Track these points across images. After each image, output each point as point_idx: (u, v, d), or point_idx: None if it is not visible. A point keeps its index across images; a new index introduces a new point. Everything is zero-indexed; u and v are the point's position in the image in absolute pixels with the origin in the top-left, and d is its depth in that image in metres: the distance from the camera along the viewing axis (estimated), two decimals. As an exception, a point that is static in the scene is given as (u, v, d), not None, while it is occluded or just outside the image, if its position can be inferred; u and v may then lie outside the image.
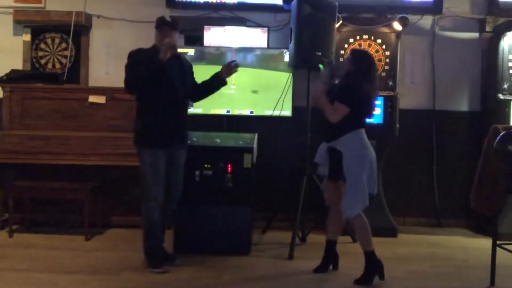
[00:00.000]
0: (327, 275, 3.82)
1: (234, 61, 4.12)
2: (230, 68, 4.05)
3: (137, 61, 3.72)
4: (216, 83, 4.08)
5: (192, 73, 4.04)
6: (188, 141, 4.36)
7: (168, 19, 3.91)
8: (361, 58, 3.76)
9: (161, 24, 3.79)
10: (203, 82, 4.08)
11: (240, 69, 4.81)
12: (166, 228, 4.04)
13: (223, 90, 4.81)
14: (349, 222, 3.81)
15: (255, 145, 4.40)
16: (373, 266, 3.63)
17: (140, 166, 3.80)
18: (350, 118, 3.63)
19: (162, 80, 3.68)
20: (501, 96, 4.96)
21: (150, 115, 3.77)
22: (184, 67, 3.92)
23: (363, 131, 3.74)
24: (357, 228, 3.74)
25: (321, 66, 4.06)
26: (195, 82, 4.06)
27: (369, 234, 3.69)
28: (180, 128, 3.89)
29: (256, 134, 4.60)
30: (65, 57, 5.39)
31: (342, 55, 4.99)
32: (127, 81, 3.73)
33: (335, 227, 3.89)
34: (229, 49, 4.94)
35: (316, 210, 4.89)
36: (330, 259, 3.88)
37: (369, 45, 5.01)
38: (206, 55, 4.91)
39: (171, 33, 3.75)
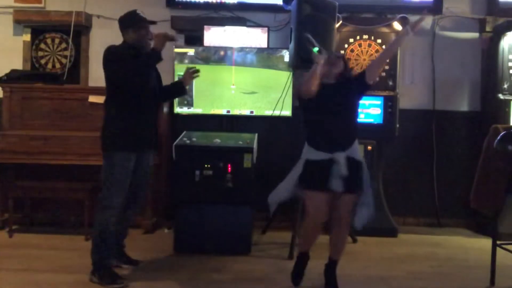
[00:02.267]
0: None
1: (193, 68, 3.97)
2: (189, 74, 3.93)
3: (126, 55, 3.48)
4: (176, 90, 3.99)
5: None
6: (188, 141, 4.38)
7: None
8: None
9: (139, 20, 3.59)
10: (164, 86, 3.89)
11: (240, 69, 4.86)
12: (127, 233, 3.89)
13: (223, 90, 4.85)
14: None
15: (255, 145, 4.40)
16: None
17: (105, 170, 3.54)
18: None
19: (147, 80, 3.55)
20: (501, 96, 4.96)
21: (129, 117, 3.52)
22: (156, 68, 3.77)
23: None
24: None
25: (315, 50, 3.51)
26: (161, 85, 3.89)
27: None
28: (154, 131, 3.72)
29: (256, 134, 4.61)
30: (65, 57, 5.39)
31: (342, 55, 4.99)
32: (126, 73, 3.44)
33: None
34: (229, 49, 4.95)
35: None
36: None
37: (369, 45, 5.01)
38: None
39: (149, 29, 3.60)
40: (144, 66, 3.51)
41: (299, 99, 3.50)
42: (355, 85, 3.44)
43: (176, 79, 4.84)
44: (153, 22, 3.68)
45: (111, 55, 3.51)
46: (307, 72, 3.37)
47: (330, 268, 3.54)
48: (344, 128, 3.39)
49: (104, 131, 3.58)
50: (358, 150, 3.46)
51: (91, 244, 3.59)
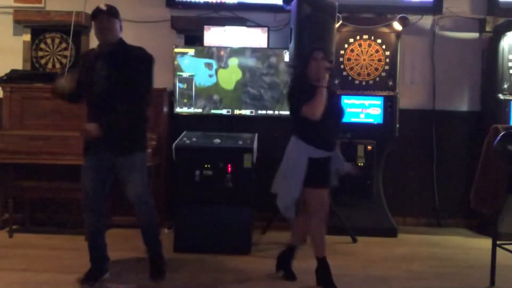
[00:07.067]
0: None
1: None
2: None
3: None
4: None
5: (136, 69, 3.39)
6: (188, 141, 4.38)
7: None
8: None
9: (96, 14, 3.40)
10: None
11: (240, 69, 4.86)
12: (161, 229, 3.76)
13: (223, 90, 4.85)
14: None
15: (255, 145, 4.40)
16: None
17: None
18: None
19: (86, 80, 3.37)
20: (501, 96, 4.96)
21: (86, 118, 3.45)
22: (116, 61, 3.38)
23: None
24: None
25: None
26: (133, 80, 3.38)
27: None
28: (109, 133, 3.33)
29: (256, 134, 4.61)
30: (65, 57, 5.39)
31: (342, 55, 5.00)
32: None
33: None
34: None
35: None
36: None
37: (369, 45, 5.01)
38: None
39: (107, 22, 3.36)
40: None
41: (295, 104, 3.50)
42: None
43: (176, 79, 4.86)
44: (111, 14, 3.38)
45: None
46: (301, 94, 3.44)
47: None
48: (335, 130, 3.59)
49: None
50: None
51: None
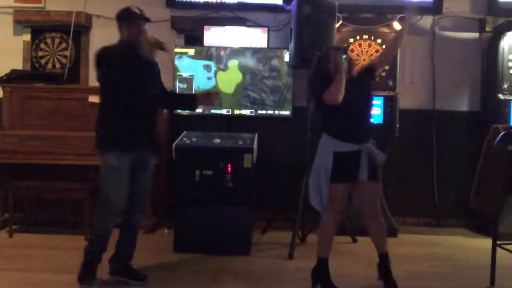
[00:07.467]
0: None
1: (218, 93, 3.85)
2: (210, 100, 3.86)
3: (113, 59, 3.41)
4: (187, 103, 3.92)
5: (159, 76, 3.71)
6: (188, 141, 4.38)
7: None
8: None
9: (136, 17, 3.48)
10: (176, 94, 3.78)
11: (240, 69, 4.86)
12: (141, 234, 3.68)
13: (222, 93, 4.84)
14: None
15: (255, 145, 4.40)
16: None
17: (101, 171, 3.44)
18: None
19: (134, 80, 3.40)
20: (501, 96, 4.96)
21: (118, 116, 3.41)
22: (153, 67, 3.59)
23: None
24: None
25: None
26: (164, 88, 3.76)
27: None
28: (149, 132, 3.53)
29: (256, 134, 4.61)
30: (65, 57, 5.39)
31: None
32: (105, 79, 3.41)
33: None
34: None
35: (316, 210, 4.89)
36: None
37: (369, 45, 5.01)
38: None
39: (145, 27, 3.47)
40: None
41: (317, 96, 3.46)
42: (366, 78, 3.60)
43: (176, 80, 4.85)
44: (148, 20, 3.54)
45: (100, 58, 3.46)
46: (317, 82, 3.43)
47: (382, 263, 3.56)
48: (367, 119, 3.55)
49: (97, 129, 3.54)
50: None
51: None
